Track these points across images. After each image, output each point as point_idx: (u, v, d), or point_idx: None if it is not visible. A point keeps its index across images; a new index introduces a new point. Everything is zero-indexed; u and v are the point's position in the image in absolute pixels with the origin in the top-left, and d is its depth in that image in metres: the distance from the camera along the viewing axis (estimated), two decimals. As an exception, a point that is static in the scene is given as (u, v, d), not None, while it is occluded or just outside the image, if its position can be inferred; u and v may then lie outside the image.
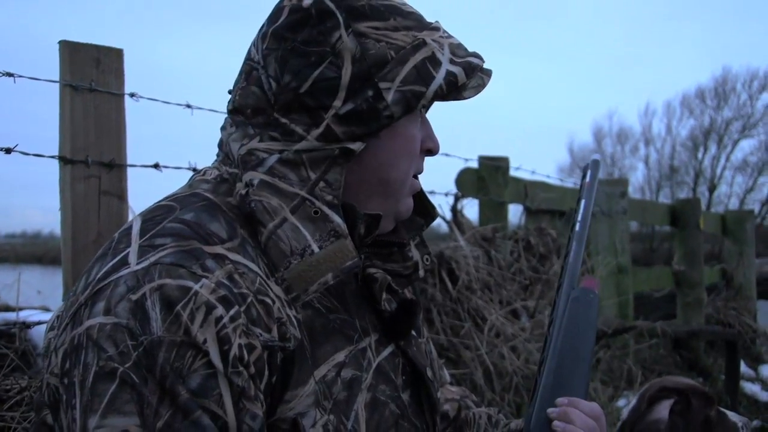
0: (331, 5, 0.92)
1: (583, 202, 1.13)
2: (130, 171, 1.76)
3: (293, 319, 0.88)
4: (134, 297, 0.80)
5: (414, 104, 0.93)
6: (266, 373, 0.84)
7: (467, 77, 0.96)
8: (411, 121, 0.98)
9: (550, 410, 0.97)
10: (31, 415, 1.56)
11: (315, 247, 0.89)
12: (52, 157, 1.66)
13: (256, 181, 0.91)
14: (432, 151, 1.03)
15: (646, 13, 50.73)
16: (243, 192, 0.92)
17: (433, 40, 0.95)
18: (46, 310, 3.13)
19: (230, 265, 0.85)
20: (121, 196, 1.74)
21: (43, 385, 0.88)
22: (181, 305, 0.79)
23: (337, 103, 0.91)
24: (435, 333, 2.82)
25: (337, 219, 0.91)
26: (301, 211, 0.90)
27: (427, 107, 1.03)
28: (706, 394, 1.45)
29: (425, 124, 1.02)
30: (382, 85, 0.91)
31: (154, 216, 0.90)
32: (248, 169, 0.92)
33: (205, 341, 0.79)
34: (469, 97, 0.99)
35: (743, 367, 5.05)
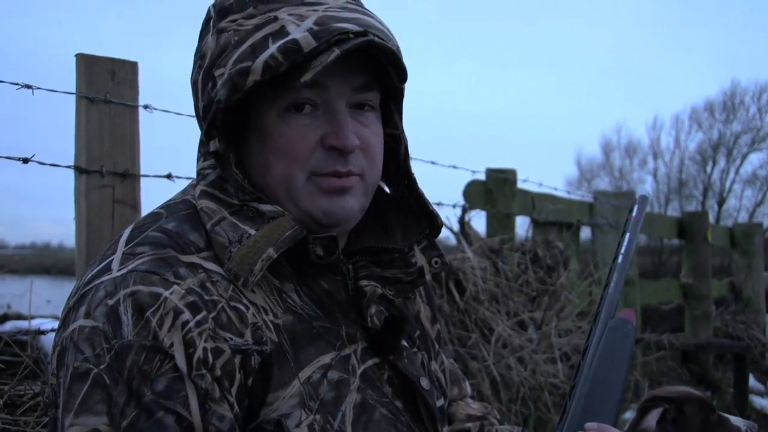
0: (211, 10, 0.96)
1: (627, 235, 1.14)
2: (143, 181, 1.80)
3: (270, 323, 0.90)
4: (110, 302, 0.84)
5: (240, 83, 0.87)
6: (239, 376, 0.86)
7: (317, 41, 0.86)
8: (284, 119, 0.92)
9: None
10: (44, 419, 1.59)
11: (251, 231, 0.91)
12: (68, 167, 1.70)
13: (197, 192, 0.96)
14: (338, 148, 0.92)
15: (653, 26, 50.77)
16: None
17: (292, 14, 0.89)
18: (57, 318, 3.17)
19: (203, 273, 0.88)
20: (135, 205, 1.78)
21: (49, 386, 0.92)
22: (151, 311, 0.83)
23: (201, 104, 0.94)
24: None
25: (268, 207, 0.92)
26: (240, 214, 0.93)
27: (393, 98, 1.00)
28: (702, 400, 1.45)
29: (332, 118, 0.93)
30: (217, 72, 0.90)
31: (142, 225, 0.94)
32: (197, 184, 0.97)
33: (171, 345, 0.83)
34: (316, 69, 0.86)
35: (752, 381, 5.03)
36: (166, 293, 0.84)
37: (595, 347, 1.04)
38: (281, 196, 0.94)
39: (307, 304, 0.95)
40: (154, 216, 0.95)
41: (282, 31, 0.87)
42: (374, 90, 0.96)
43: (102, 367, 0.82)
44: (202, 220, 0.93)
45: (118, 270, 0.87)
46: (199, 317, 0.84)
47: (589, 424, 0.97)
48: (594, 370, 1.02)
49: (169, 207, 0.97)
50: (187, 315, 0.84)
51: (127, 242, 0.91)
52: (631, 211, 1.17)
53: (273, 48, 0.86)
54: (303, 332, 0.93)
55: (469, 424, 1.18)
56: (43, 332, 1.75)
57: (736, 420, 1.45)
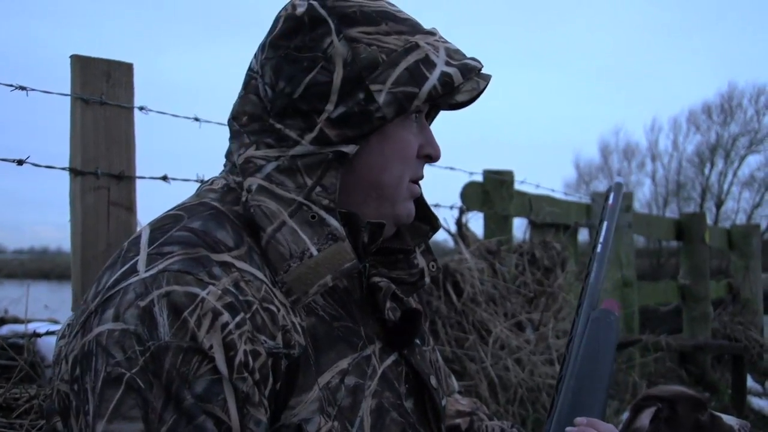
0: (323, 12, 0.95)
1: (605, 224, 1.15)
2: (138, 183, 1.79)
3: (298, 326, 0.89)
4: (142, 303, 0.82)
5: (407, 105, 0.94)
6: (270, 379, 0.85)
7: (464, 78, 0.97)
8: (404, 125, 0.98)
9: (568, 429, 0.97)
10: (39, 422, 1.58)
11: (314, 250, 0.91)
12: (63, 168, 1.69)
13: (254, 187, 0.93)
14: (431, 157, 1.03)
15: (651, 30, 50.91)
16: (244, 198, 0.94)
17: (428, 44, 0.96)
18: (54, 322, 3.17)
19: (236, 272, 0.86)
20: (130, 207, 1.77)
21: (54, 392, 0.90)
22: (188, 311, 0.81)
23: (330, 107, 0.93)
24: (440, 345, 2.83)
25: (335, 223, 0.92)
26: (299, 216, 0.92)
27: (430, 113, 1.06)
28: (696, 399, 1.45)
29: (425, 129, 1.02)
30: (374, 87, 0.93)
31: (162, 225, 0.92)
32: (247, 176, 0.94)
33: (211, 347, 0.81)
34: (464, 101, 0.99)
35: (750, 382, 5.03)
36: (203, 293, 0.82)
37: (579, 339, 1.04)
38: (385, 196, 0.98)
39: (329, 304, 0.96)
40: (174, 217, 0.93)
41: (428, 60, 0.95)
42: None
43: (135, 370, 0.80)
44: (261, 223, 0.91)
45: (146, 270, 0.85)
46: (238, 319, 0.83)
47: (578, 419, 0.97)
48: (579, 364, 1.02)
49: (186, 209, 0.95)
50: (226, 317, 0.82)
51: (150, 243, 0.89)
52: (607, 198, 1.18)
53: (434, 79, 0.94)
54: (324, 335, 0.93)
55: (458, 420, 1.18)
56: (39, 335, 1.74)
57: (728, 419, 1.45)
